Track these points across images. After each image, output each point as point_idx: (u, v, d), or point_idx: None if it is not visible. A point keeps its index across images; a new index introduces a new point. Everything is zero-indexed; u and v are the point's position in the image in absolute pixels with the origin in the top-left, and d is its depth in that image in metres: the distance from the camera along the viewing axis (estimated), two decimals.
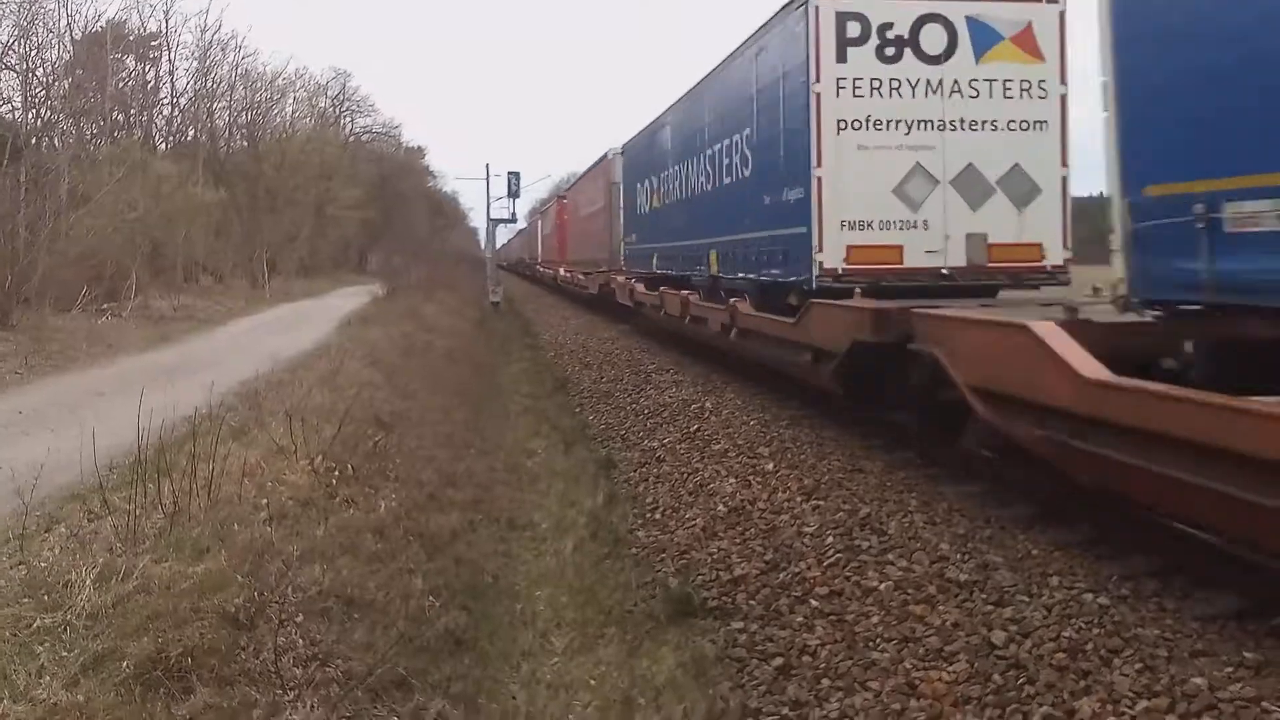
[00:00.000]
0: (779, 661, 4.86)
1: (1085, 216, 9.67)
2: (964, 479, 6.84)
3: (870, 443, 8.19)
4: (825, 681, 4.58)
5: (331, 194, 51.49)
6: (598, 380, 14.72)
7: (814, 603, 5.35)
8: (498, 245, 43.55)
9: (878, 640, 4.77)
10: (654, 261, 17.15)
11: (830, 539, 6.12)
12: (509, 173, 35.35)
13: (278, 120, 50.45)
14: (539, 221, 46.11)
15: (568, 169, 61.41)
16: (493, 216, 38.26)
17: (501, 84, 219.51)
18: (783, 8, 9.85)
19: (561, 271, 34.41)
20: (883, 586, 5.28)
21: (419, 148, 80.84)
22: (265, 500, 6.10)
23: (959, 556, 5.44)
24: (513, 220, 40.84)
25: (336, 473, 6.96)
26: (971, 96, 9.06)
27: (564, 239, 33.91)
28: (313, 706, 3.86)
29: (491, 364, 18.44)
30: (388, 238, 53.21)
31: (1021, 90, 9.06)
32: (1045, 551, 5.37)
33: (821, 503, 6.80)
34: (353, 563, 5.48)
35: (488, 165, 42.86)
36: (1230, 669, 3.89)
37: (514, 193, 35.79)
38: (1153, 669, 3.98)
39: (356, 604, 5.00)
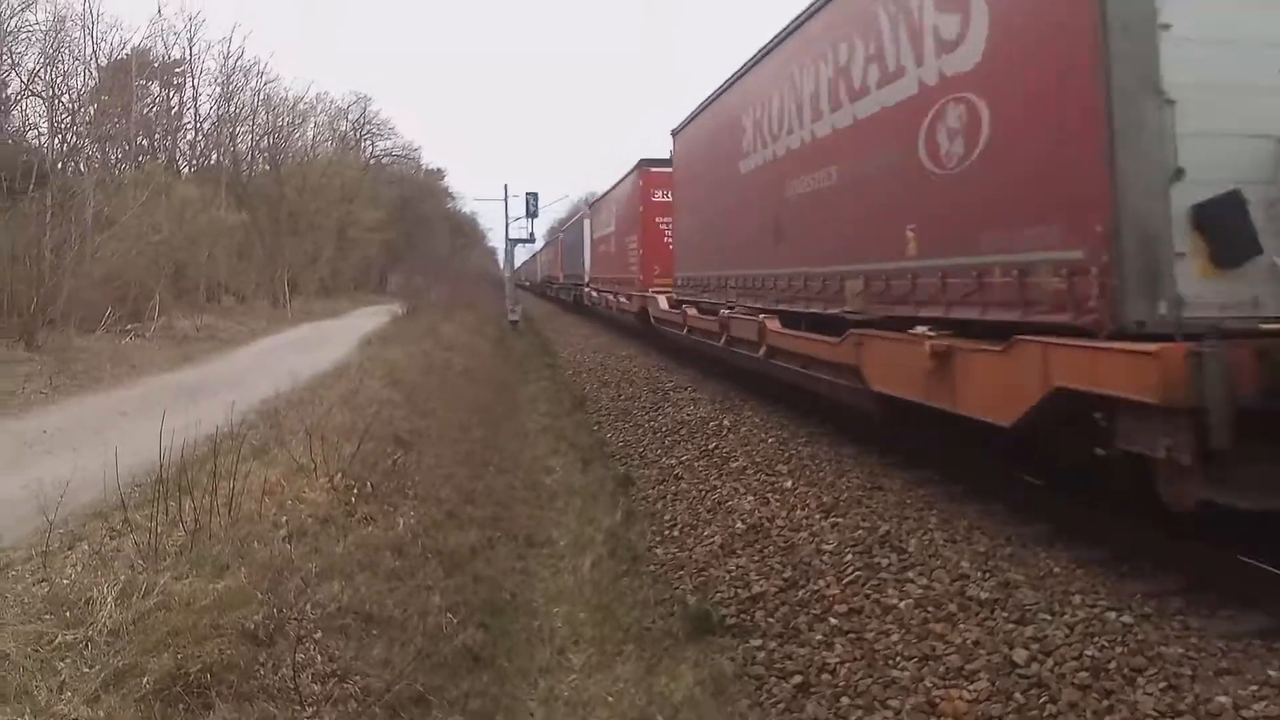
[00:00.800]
0: (798, 679, 4.83)
1: None
2: (985, 497, 6.78)
3: (889, 460, 8.14)
4: (845, 700, 4.55)
5: (353, 216, 51.97)
6: (616, 398, 14.73)
7: (833, 620, 5.31)
8: (516, 264, 43.69)
9: (898, 658, 4.74)
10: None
11: (849, 556, 6.08)
12: (527, 193, 35.74)
13: (299, 144, 51.08)
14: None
15: (586, 189, 61.68)
16: (511, 236, 38.52)
17: (519, 106, 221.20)
18: None
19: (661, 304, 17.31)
20: (903, 604, 5.24)
21: (438, 169, 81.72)
22: (285, 518, 6.14)
23: (980, 574, 5.39)
24: (531, 240, 41.16)
25: (355, 490, 7.00)
26: None
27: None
28: None
29: (510, 382, 18.49)
30: (408, 258, 53.64)
31: None
32: (1067, 569, 5.32)
33: (840, 520, 6.76)
34: (371, 580, 5.50)
35: (506, 186, 43.42)
36: (1255, 688, 3.84)
37: (532, 213, 36.11)
38: (1177, 688, 3.93)
39: (375, 621, 5.02)
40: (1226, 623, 4.49)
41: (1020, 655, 4.44)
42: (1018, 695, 4.17)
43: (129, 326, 21.54)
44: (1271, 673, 3.93)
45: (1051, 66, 5.09)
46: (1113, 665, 4.19)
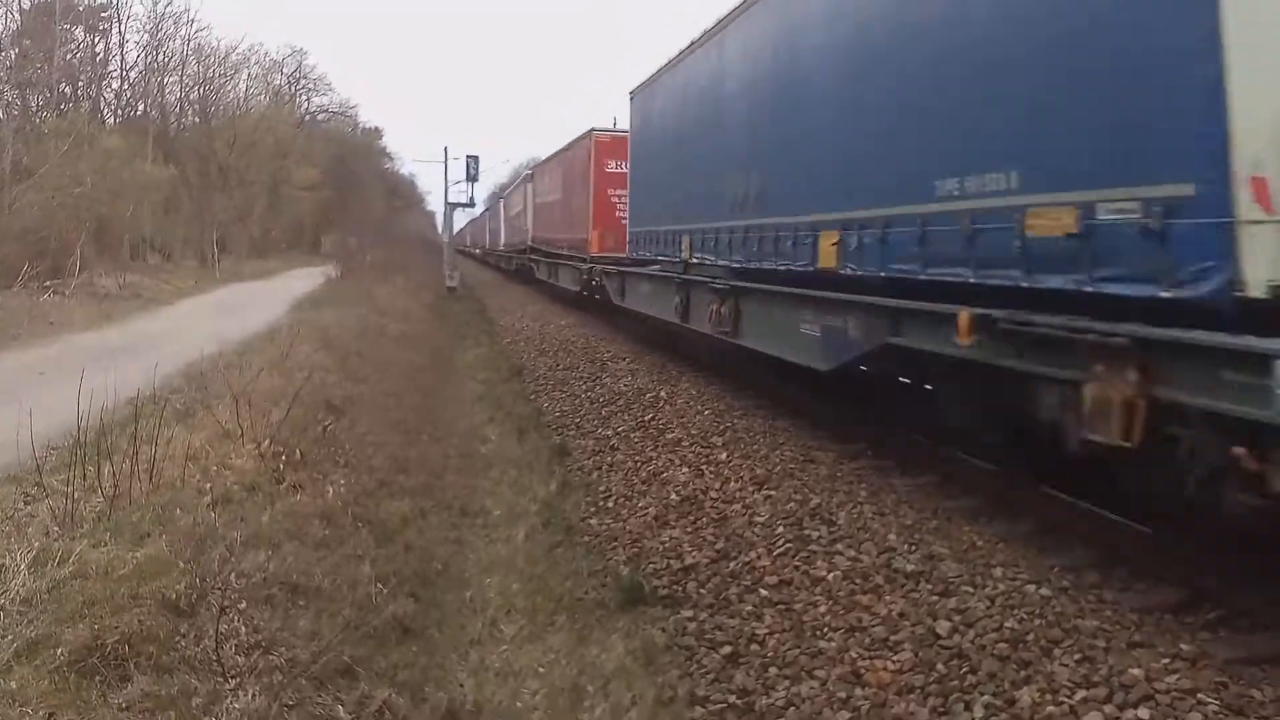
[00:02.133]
0: (728, 650, 4.88)
1: None
2: (913, 470, 6.92)
3: (822, 433, 8.26)
4: (773, 670, 4.61)
5: (285, 173, 50.68)
6: (553, 367, 14.66)
7: (763, 592, 5.38)
8: (456, 228, 43.10)
9: (825, 629, 4.82)
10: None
11: (781, 529, 6.16)
12: (468, 156, 35.10)
13: (231, 97, 49.40)
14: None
15: (528, 153, 60.95)
16: (451, 200, 37.95)
17: (461, 67, 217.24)
18: None
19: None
20: (831, 576, 5.33)
21: (376, 129, 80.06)
22: (209, 485, 6.01)
23: (906, 547, 5.51)
24: (471, 205, 40.63)
25: (284, 457, 6.86)
26: None
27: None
28: (254, 695, 3.81)
29: (446, 349, 18.28)
30: (343, 219, 52.46)
31: None
32: (990, 543, 5.46)
33: (773, 492, 6.84)
34: (299, 549, 5.41)
35: (446, 148, 42.50)
36: (1167, 660, 3.99)
37: (473, 177, 35.53)
38: (1091, 660, 4.07)
39: (302, 591, 4.94)
40: (1140, 596, 4.66)
41: (943, 627, 4.55)
42: (940, 666, 4.27)
43: (48, 283, 20.74)
44: (1184, 646, 4.09)
45: None
46: (1031, 637, 4.32)
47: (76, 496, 5.38)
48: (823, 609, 5.02)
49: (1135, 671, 3.91)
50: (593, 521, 7.30)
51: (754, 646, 4.86)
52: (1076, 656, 4.12)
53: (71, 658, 3.81)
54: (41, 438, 6.53)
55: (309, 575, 5.10)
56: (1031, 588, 4.78)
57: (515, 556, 6.78)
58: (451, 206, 38.36)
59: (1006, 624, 4.45)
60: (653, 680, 4.72)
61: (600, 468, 8.70)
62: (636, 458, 8.66)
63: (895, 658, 4.42)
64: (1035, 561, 5.13)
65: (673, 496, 7.28)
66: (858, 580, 5.22)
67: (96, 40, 39.70)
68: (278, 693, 3.90)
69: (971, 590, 4.86)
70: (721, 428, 8.94)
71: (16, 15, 31.63)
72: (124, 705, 3.63)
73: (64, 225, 23.98)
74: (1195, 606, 4.47)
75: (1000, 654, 4.23)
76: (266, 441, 6.95)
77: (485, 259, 54.48)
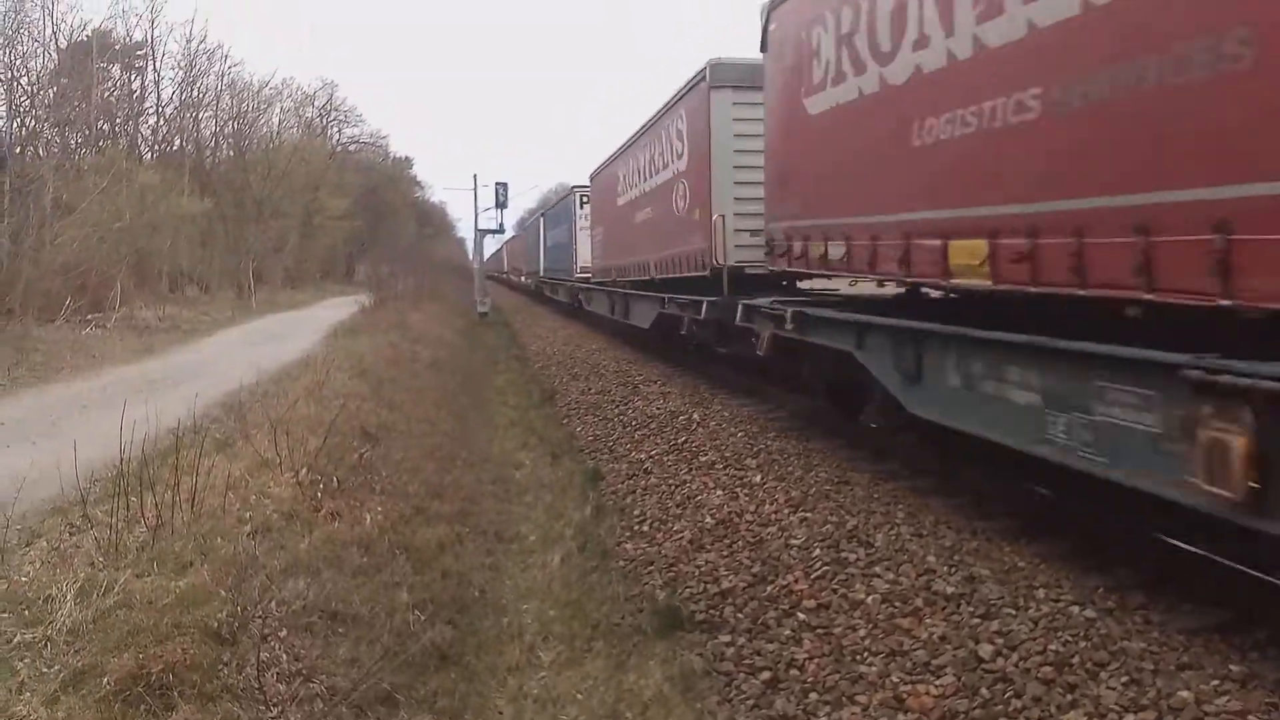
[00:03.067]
0: (766, 675, 4.84)
1: None
2: (951, 491, 6.85)
3: (857, 454, 8.20)
4: (813, 695, 4.57)
5: (318, 204, 51.39)
6: (585, 391, 14.70)
7: (801, 615, 5.34)
8: (485, 255, 43.46)
9: (865, 654, 4.77)
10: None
11: (817, 551, 6.12)
12: (496, 183, 35.50)
13: (264, 130, 50.35)
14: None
15: (556, 179, 61.40)
16: (480, 227, 38.29)
17: (489, 96, 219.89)
18: None
19: None
20: (870, 599, 5.28)
21: (406, 158, 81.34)
22: (249, 513, 6.07)
23: (946, 569, 5.44)
24: (500, 231, 40.91)
25: (321, 485, 6.92)
26: None
27: None
28: None
29: (479, 374, 18.39)
30: (375, 247, 53.11)
31: None
32: (1032, 563, 5.38)
33: (809, 515, 6.80)
34: (338, 576, 5.44)
35: (475, 176, 42.87)
36: (1216, 682, 3.90)
37: (502, 203, 35.91)
38: (1139, 682, 3.99)
39: (341, 618, 4.97)
40: (1187, 617, 4.56)
41: (986, 650, 4.49)
42: (983, 690, 4.22)
43: (89, 316, 21.16)
44: (1233, 667, 4.00)
45: None
46: (1076, 660, 4.25)
47: (120, 527, 5.46)
48: (862, 633, 4.97)
49: (1184, 694, 3.84)
50: (628, 546, 7.29)
51: (793, 671, 4.83)
52: (1124, 679, 4.04)
53: (117, 687, 3.86)
54: (86, 469, 6.64)
55: (348, 602, 5.14)
56: (1076, 609, 4.70)
57: (551, 582, 6.78)
58: (481, 233, 38.69)
59: (1051, 646, 4.38)
60: (692, 706, 4.70)
61: (634, 491, 8.70)
62: (670, 481, 8.64)
63: (938, 682, 4.37)
64: (1079, 582, 5.05)
65: (707, 520, 7.25)
66: (897, 603, 5.16)
67: (133, 78, 40.67)
68: None
69: (1014, 612, 4.79)
70: (755, 449, 8.91)
71: (54, 55, 32.46)
72: None
73: (104, 260, 24.48)
74: (1244, 627, 4.37)
75: (1045, 677, 4.17)
76: (304, 470, 7.02)
77: (514, 284, 55.18)
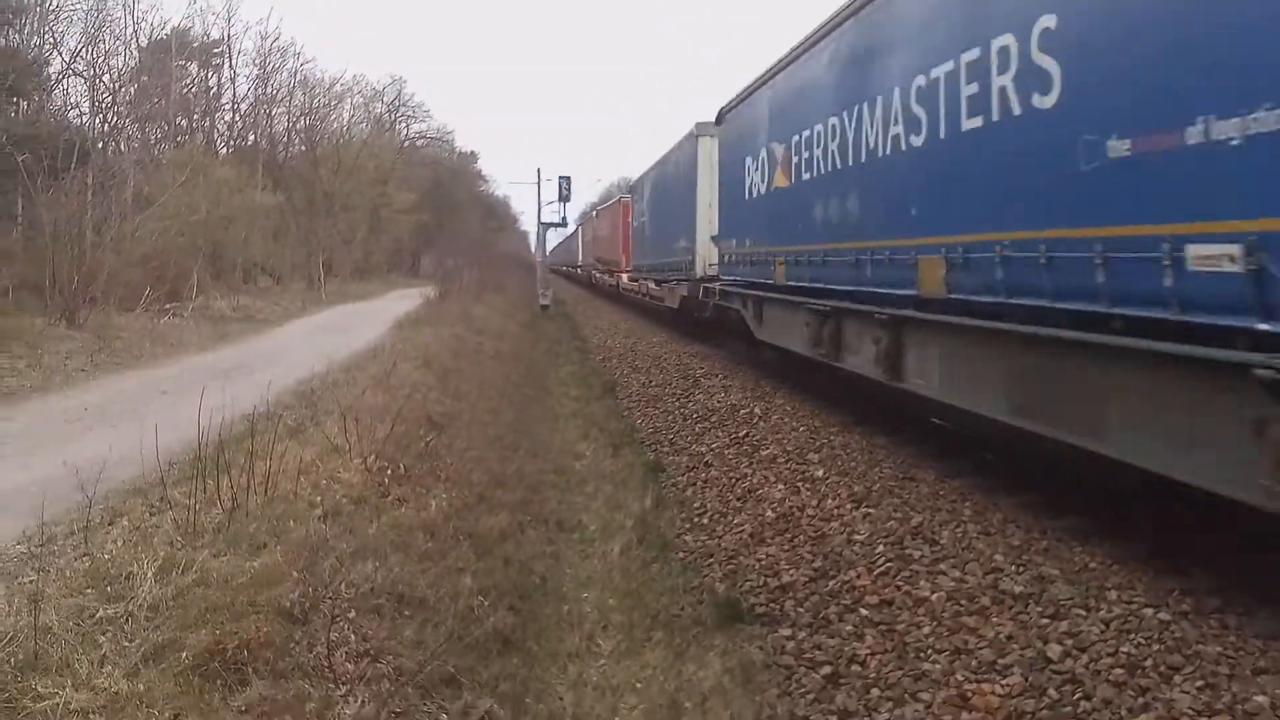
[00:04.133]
0: (827, 670, 4.81)
1: None
2: (1019, 489, 6.71)
3: (922, 450, 8.08)
4: (875, 691, 4.52)
5: (386, 198, 52.29)
6: (646, 384, 14.73)
7: (864, 611, 5.29)
8: (549, 248, 43.80)
9: (929, 651, 4.70)
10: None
11: (881, 548, 6.05)
12: (560, 177, 35.74)
13: (335, 125, 51.42)
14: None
15: (620, 173, 61.54)
16: (543, 220, 38.58)
17: (553, 91, 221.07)
18: None
19: None
20: (935, 597, 5.20)
21: (472, 152, 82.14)
22: (320, 498, 6.21)
23: (1014, 568, 5.34)
24: (563, 224, 41.19)
25: (389, 472, 7.06)
26: None
27: None
28: (364, 702, 3.92)
29: (540, 366, 18.55)
30: (440, 241, 53.87)
31: None
32: (1103, 564, 5.25)
33: (872, 510, 6.72)
34: (404, 560, 5.55)
35: (539, 170, 43.41)
36: None
37: (565, 197, 36.13)
38: (1214, 686, 3.88)
39: (407, 601, 5.07)
40: (1264, 622, 4.41)
41: (1054, 650, 4.40)
42: (1051, 691, 4.13)
43: (167, 306, 21.86)
44: None
45: None
46: (1149, 663, 4.14)
47: (197, 508, 5.64)
48: (926, 630, 4.90)
49: (1260, 699, 3.71)
50: (688, 538, 7.30)
51: (855, 667, 4.78)
52: (1198, 683, 3.92)
53: (194, 662, 3.98)
54: (165, 452, 6.86)
55: (414, 586, 5.24)
56: (1149, 611, 4.58)
57: (611, 571, 6.82)
58: (544, 226, 38.99)
59: (1123, 649, 4.27)
60: (751, 699, 4.69)
61: (694, 484, 8.70)
62: (731, 474, 8.62)
63: (1004, 681, 4.29)
64: (1151, 584, 4.92)
65: (768, 514, 7.22)
66: (963, 601, 5.08)
67: (210, 75, 41.90)
68: (385, 700, 4.01)
69: (1084, 613, 4.68)
70: (817, 444, 8.84)
71: (135, 53, 33.55)
72: (243, 708, 3.78)
73: (181, 251, 25.28)
74: None
75: (1116, 680, 4.07)
76: (372, 456, 7.17)
77: (575, 276, 55.38)
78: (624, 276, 24.36)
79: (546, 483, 9.11)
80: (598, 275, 36.33)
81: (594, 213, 37.53)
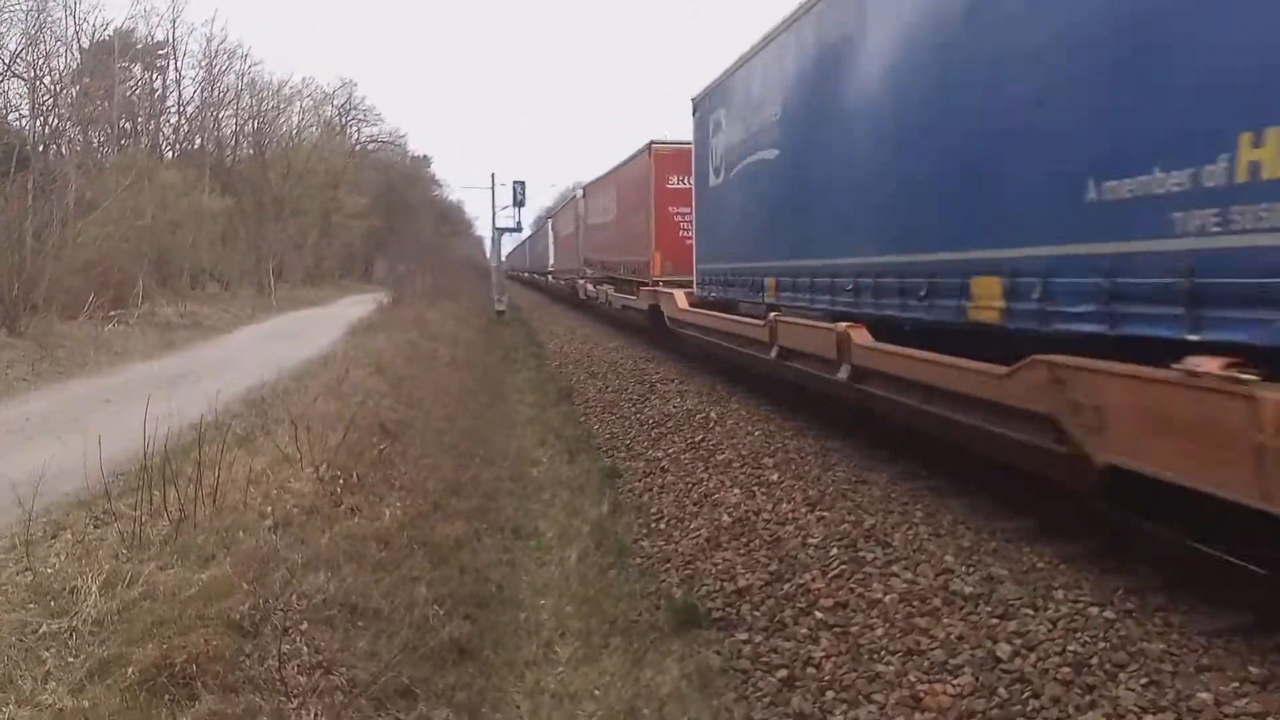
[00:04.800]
0: (783, 673, 4.84)
1: None
2: (969, 491, 6.83)
3: (874, 454, 8.18)
4: (830, 694, 4.57)
5: (337, 202, 51.69)
6: (603, 390, 14.72)
7: (819, 614, 5.34)
8: (505, 253, 43.58)
9: (882, 653, 4.76)
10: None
11: (835, 550, 6.11)
12: (514, 182, 35.55)
13: (284, 129, 50.75)
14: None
15: (574, 178, 61.44)
16: (498, 225, 38.39)
17: (507, 95, 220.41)
18: None
19: None
20: (887, 599, 5.27)
21: (424, 157, 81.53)
22: (270, 508, 6.13)
23: (964, 569, 5.43)
24: (518, 229, 41.02)
25: (341, 480, 6.98)
26: None
27: None
28: (317, 714, 3.87)
29: (496, 372, 18.46)
30: (393, 246, 53.38)
31: None
32: (1050, 564, 5.36)
33: (826, 514, 6.79)
34: (357, 571, 5.49)
35: (493, 175, 42.93)
36: (1236, 684, 3.88)
37: (519, 202, 35.96)
38: (1158, 683, 3.97)
39: (361, 612, 5.01)
40: (1207, 619, 4.54)
41: (1004, 650, 4.48)
42: (1001, 690, 4.20)
43: (112, 313, 21.36)
44: (1253, 669, 3.98)
45: None
46: (1095, 661, 4.23)
47: (143, 520, 5.53)
48: (879, 632, 4.96)
49: (1204, 695, 3.81)
50: (645, 543, 7.31)
51: (810, 670, 4.83)
52: (1143, 680, 4.02)
53: (141, 677, 3.91)
54: (110, 463, 6.71)
55: (367, 597, 5.18)
56: (1095, 610, 4.68)
57: (568, 578, 6.81)
58: (499, 232, 38.81)
59: (1070, 647, 4.36)
60: (709, 704, 4.71)
61: (651, 489, 8.72)
62: (687, 479, 8.65)
63: (955, 681, 4.36)
64: (1098, 583, 5.03)
65: (725, 518, 7.26)
66: (915, 602, 5.15)
67: (154, 77, 41.15)
68: (339, 713, 3.96)
69: (1032, 613, 4.77)
70: (772, 448, 8.91)
71: (77, 54, 32.83)
72: None
73: (126, 257, 24.73)
74: (1265, 629, 4.34)
75: (1064, 678, 4.15)
76: (324, 465, 7.08)
77: (532, 282, 55.08)
78: (678, 297, 14.61)
79: (503, 490, 9.07)
80: (591, 289, 25.74)
81: (579, 193, 30.35)
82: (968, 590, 5.14)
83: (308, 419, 8.22)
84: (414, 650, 4.77)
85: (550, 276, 42.13)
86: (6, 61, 28.07)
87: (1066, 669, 4.21)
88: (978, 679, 4.32)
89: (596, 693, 5.08)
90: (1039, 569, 5.32)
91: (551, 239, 40.42)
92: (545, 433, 12.19)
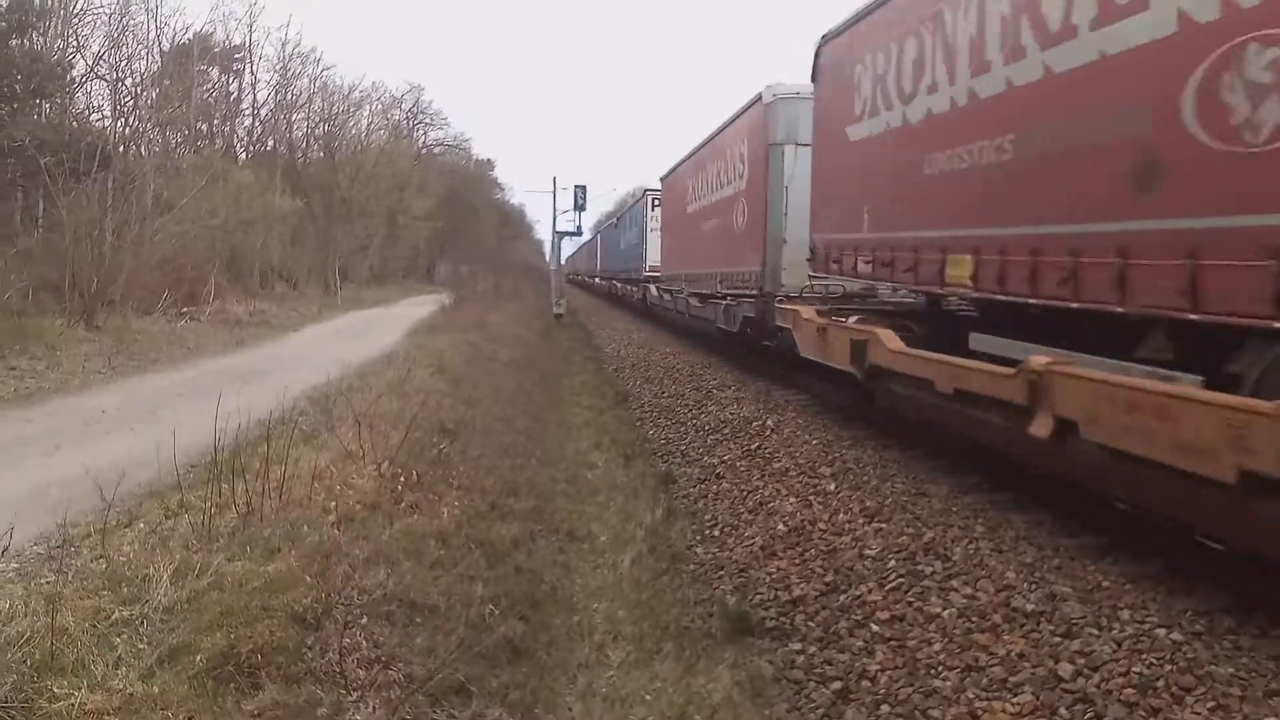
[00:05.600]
0: (837, 685, 4.81)
1: None
2: (1031, 506, 6.69)
3: (934, 465, 8.06)
4: (885, 708, 4.52)
5: (403, 204, 52.58)
6: (659, 395, 14.74)
7: (874, 627, 5.28)
8: (565, 256, 43.83)
9: (939, 668, 4.70)
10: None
11: (892, 563, 6.04)
12: (575, 186, 35.70)
13: (353, 132, 51.83)
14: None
15: (634, 183, 61.57)
16: (558, 229, 38.67)
17: (571, 99, 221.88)
18: None
19: None
20: (946, 613, 5.19)
21: (488, 160, 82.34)
22: (334, 503, 6.25)
23: (1026, 585, 5.32)
24: (578, 233, 41.20)
25: (402, 478, 7.09)
26: None
27: None
28: (375, 708, 3.94)
29: (554, 375, 18.59)
30: (456, 248, 54.12)
31: None
32: (1116, 583, 5.23)
33: (884, 525, 6.71)
34: (416, 567, 5.57)
35: (554, 178, 43.43)
36: None
37: (580, 206, 36.09)
38: (1226, 708, 3.86)
39: (419, 608, 5.09)
40: (1277, 643, 4.39)
41: (1066, 669, 4.38)
42: (1062, 710, 4.12)
43: (185, 310, 22.02)
44: None
45: None
46: (1161, 683, 4.12)
47: (213, 512, 5.69)
48: (937, 647, 4.89)
49: None
50: (699, 550, 7.31)
51: (865, 683, 4.78)
52: (1210, 704, 3.91)
53: (208, 665, 4.02)
54: (182, 456, 6.93)
55: (425, 593, 5.26)
56: (1161, 631, 4.55)
57: (622, 582, 6.83)
58: (559, 235, 39.07)
59: (1135, 669, 4.25)
60: (761, 713, 4.70)
61: (706, 496, 8.70)
62: (742, 486, 8.63)
63: (1014, 699, 4.28)
64: (1165, 604, 4.89)
65: (780, 527, 7.22)
66: (974, 618, 5.07)
67: (230, 80, 42.29)
68: (396, 707, 4.03)
69: (1097, 632, 4.66)
70: (829, 458, 8.83)
71: (157, 57, 33.88)
72: (255, 712, 3.80)
73: (200, 255, 25.46)
74: None
75: (1128, 699, 4.05)
76: (386, 463, 7.21)
77: (593, 286, 55.35)
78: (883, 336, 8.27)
79: (558, 492, 9.13)
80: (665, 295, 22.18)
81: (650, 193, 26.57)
82: (1029, 608, 5.04)
83: (370, 417, 8.38)
84: (469, 648, 4.83)
85: (615, 283, 41.72)
86: (90, 63, 29.11)
87: (1131, 690, 4.10)
88: (1038, 698, 4.24)
89: (648, 697, 5.09)
90: (1104, 588, 5.19)
91: (619, 241, 39.79)
92: (601, 436, 12.25)
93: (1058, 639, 4.67)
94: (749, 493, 8.38)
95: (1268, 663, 4.19)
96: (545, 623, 5.93)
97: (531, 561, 6.74)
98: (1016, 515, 6.57)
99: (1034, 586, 5.29)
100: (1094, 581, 5.28)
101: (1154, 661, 4.29)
